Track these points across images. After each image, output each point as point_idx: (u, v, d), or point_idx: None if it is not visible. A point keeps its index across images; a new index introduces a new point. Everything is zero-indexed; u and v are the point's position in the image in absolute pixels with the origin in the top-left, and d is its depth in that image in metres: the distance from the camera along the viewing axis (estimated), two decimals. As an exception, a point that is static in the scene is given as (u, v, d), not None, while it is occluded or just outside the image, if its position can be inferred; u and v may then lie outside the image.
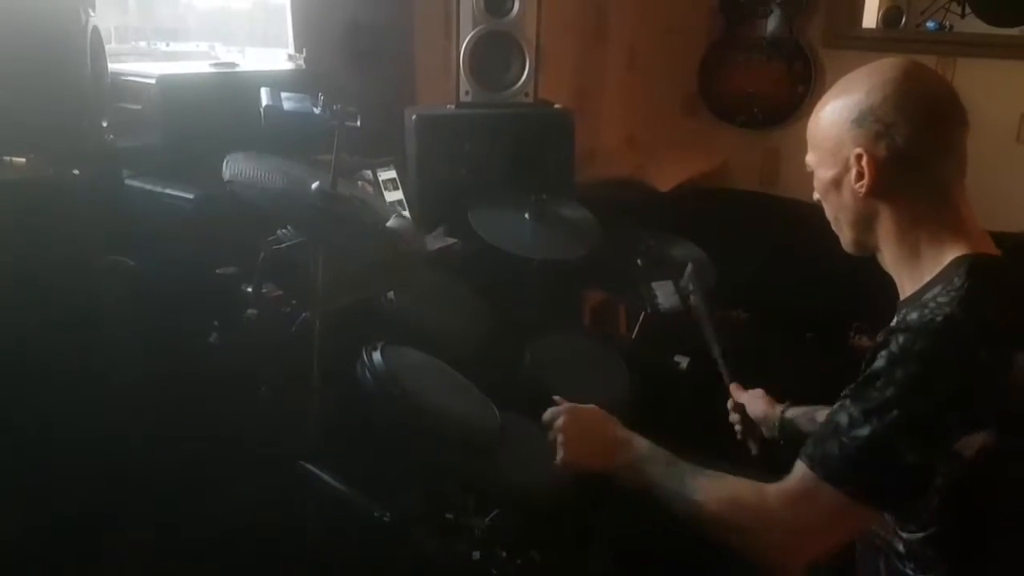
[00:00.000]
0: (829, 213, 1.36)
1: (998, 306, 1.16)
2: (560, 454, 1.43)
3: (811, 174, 1.36)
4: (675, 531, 1.57)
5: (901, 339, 1.15)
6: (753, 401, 1.79)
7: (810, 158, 1.35)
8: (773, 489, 1.21)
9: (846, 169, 1.27)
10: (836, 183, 1.29)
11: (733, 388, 1.81)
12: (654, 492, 1.33)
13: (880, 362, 1.16)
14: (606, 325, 3.33)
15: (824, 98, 1.32)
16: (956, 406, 1.12)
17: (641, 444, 1.39)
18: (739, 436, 1.78)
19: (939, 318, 1.14)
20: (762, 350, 3.06)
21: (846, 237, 1.34)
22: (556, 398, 1.51)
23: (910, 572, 1.27)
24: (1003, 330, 1.14)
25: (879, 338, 1.19)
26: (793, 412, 1.73)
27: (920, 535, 1.22)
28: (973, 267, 1.19)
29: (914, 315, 1.17)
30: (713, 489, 1.27)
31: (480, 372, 1.82)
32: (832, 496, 1.15)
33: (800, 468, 1.19)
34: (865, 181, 1.24)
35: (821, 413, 1.64)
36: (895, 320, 1.26)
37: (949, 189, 1.25)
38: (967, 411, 1.13)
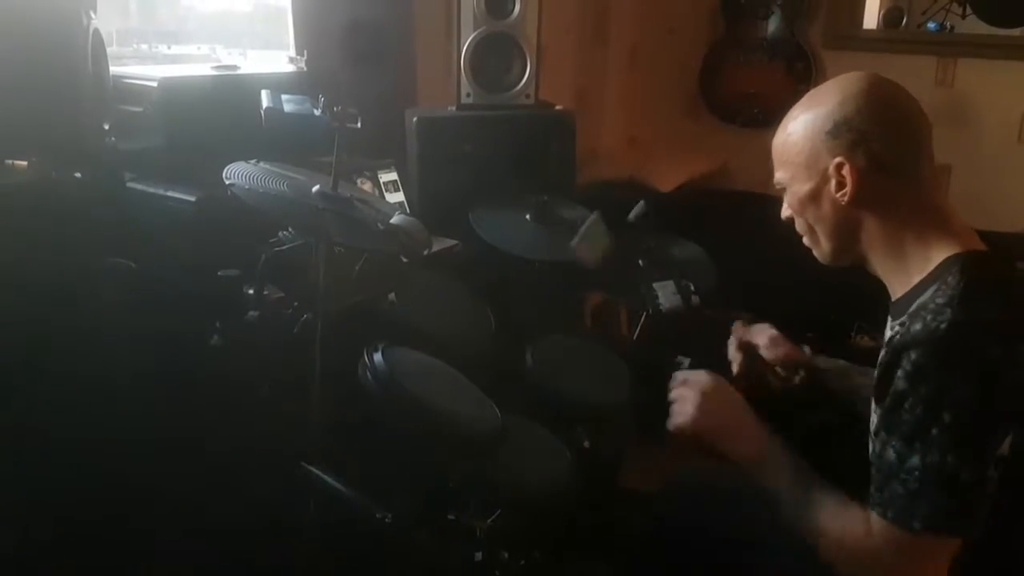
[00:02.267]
0: (803, 228, 1.38)
1: (996, 302, 1.17)
2: (685, 417, 1.39)
3: (782, 191, 1.37)
4: (679, 533, 1.57)
5: (913, 355, 1.15)
6: (771, 340, 1.69)
7: (781, 176, 1.36)
8: (874, 539, 1.20)
9: (825, 180, 1.28)
10: (814, 196, 1.31)
11: (737, 325, 1.75)
12: (772, 495, 1.30)
13: (900, 384, 1.16)
14: (607, 326, 3.33)
15: (788, 116, 1.34)
16: (985, 408, 1.13)
17: (775, 444, 1.34)
18: (736, 376, 1.69)
19: (943, 325, 1.14)
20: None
21: (825, 249, 1.36)
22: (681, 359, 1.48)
23: None
24: (1006, 325, 1.15)
25: (888, 355, 1.20)
26: (826, 363, 1.68)
27: None
28: (966, 265, 1.20)
29: (917, 326, 1.17)
30: (834, 515, 1.25)
31: (481, 373, 1.82)
32: (911, 536, 1.16)
33: (875, 519, 1.19)
34: (848, 190, 1.26)
35: (859, 377, 1.61)
36: (893, 327, 1.27)
37: (927, 189, 1.28)
38: (999, 410, 1.14)
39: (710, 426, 1.38)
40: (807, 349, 1.70)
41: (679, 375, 1.45)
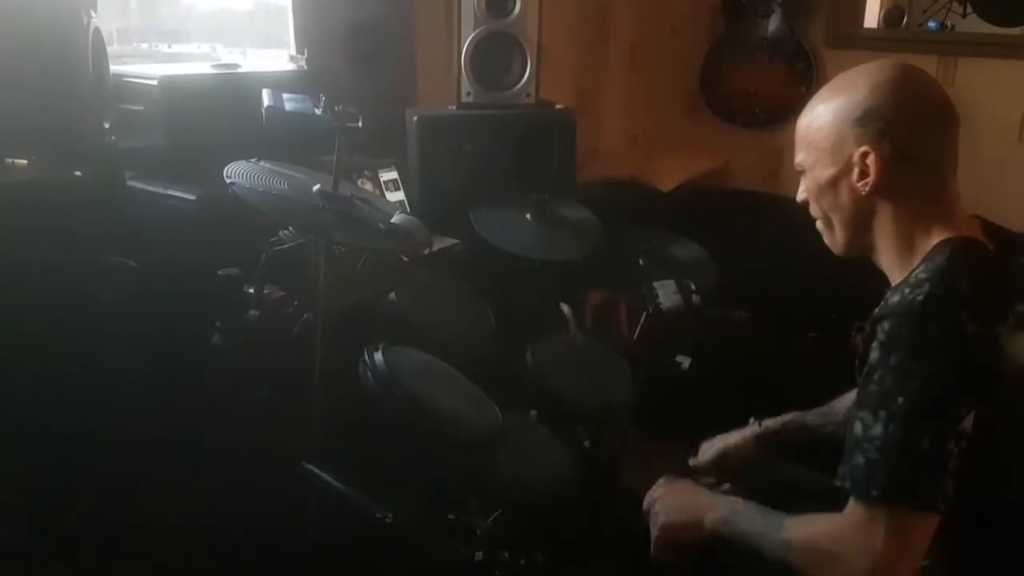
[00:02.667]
0: (818, 213, 1.37)
1: (977, 282, 1.17)
2: (656, 524, 1.44)
3: (801, 174, 1.37)
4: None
5: (887, 325, 1.16)
6: (709, 449, 1.73)
7: (802, 158, 1.35)
8: (839, 520, 1.20)
9: (848, 168, 1.27)
10: (834, 183, 1.30)
11: (692, 463, 1.75)
12: (747, 542, 1.31)
13: (873, 355, 1.17)
14: (608, 325, 3.33)
15: (816, 99, 1.33)
16: (952, 381, 1.13)
17: (731, 499, 1.40)
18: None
19: (919, 298, 1.15)
20: (763, 350, 3.05)
21: (839, 237, 1.35)
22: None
23: None
24: (983, 305, 1.15)
25: (866, 328, 1.21)
26: (770, 424, 1.70)
27: None
28: (956, 247, 1.21)
29: (895, 298, 1.19)
30: (797, 528, 1.26)
31: (482, 372, 1.82)
32: (871, 507, 1.15)
33: (851, 499, 1.18)
34: (870, 179, 1.26)
35: (810, 417, 1.67)
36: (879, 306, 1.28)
37: (945, 185, 1.28)
38: (965, 385, 1.14)
39: (677, 516, 1.42)
40: (752, 422, 1.72)
41: (645, 502, 1.50)
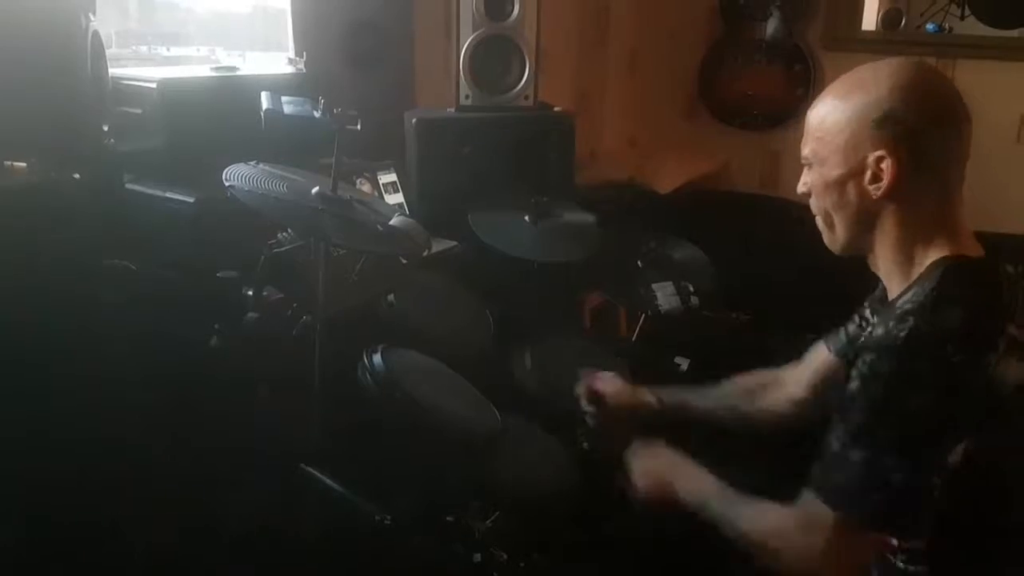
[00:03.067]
0: (819, 210, 1.34)
1: (965, 310, 1.15)
2: (635, 486, 1.49)
3: (806, 166, 1.34)
4: (676, 535, 1.58)
5: (869, 359, 1.16)
6: (614, 391, 1.75)
7: (811, 152, 1.31)
8: (794, 518, 1.23)
9: (860, 170, 1.24)
10: (843, 182, 1.26)
11: (585, 375, 1.78)
12: (706, 514, 1.36)
13: (854, 384, 1.18)
14: (606, 327, 3.33)
15: (832, 92, 1.29)
16: (936, 418, 1.13)
17: (701, 478, 1.42)
18: (590, 426, 1.75)
19: (903, 334, 1.14)
20: (761, 351, 3.05)
21: (839, 236, 1.32)
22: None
23: (901, 564, 1.27)
24: (973, 335, 1.14)
25: (851, 355, 1.23)
26: (677, 394, 1.74)
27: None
28: (945, 272, 1.20)
29: (880, 331, 1.18)
30: (752, 518, 1.30)
31: (480, 374, 1.82)
32: (835, 520, 1.17)
33: (808, 496, 1.21)
34: (883, 183, 1.22)
35: (714, 389, 1.71)
36: (868, 329, 1.28)
37: (952, 194, 1.25)
38: (950, 420, 1.14)
39: (653, 480, 1.48)
40: (648, 394, 1.74)
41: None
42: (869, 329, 1.24)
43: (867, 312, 1.49)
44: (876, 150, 1.22)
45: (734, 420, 1.70)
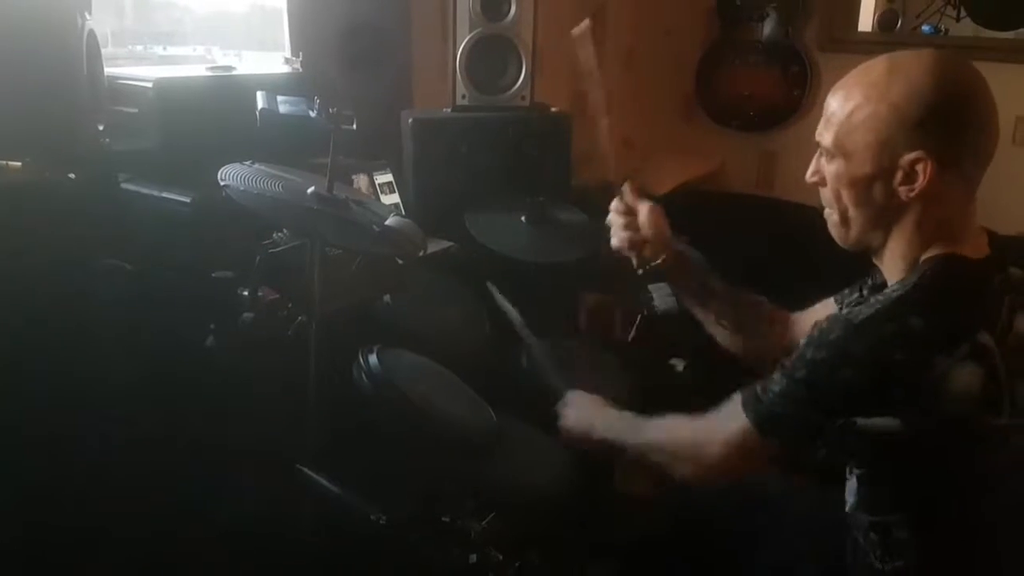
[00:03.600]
0: (831, 202, 1.29)
1: (933, 312, 1.15)
2: (562, 424, 1.59)
3: (817, 149, 1.29)
4: (674, 535, 1.58)
5: (824, 324, 1.21)
6: (649, 215, 1.64)
7: (833, 143, 1.24)
8: (711, 417, 1.36)
9: (892, 170, 1.19)
10: (869, 180, 1.22)
11: (627, 190, 1.70)
12: (628, 450, 1.48)
13: (804, 341, 1.23)
14: (603, 328, 3.33)
15: (860, 82, 1.22)
16: (852, 394, 1.19)
17: (615, 415, 1.54)
18: (615, 245, 1.68)
19: (864, 316, 1.17)
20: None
21: (852, 232, 1.28)
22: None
23: (879, 565, 1.31)
24: (929, 336, 1.14)
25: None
26: (693, 254, 1.71)
27: (889, 518, 1.29)
28: (932, 270, 1.20)
29: (846, 310, 1.29)
30: (667, 427, 1.43)
31: (476, 375, 1.82)
32: (743, 423, 1.28)
33: (732, 400, 1.32)
34: (917, 185, 1.18)
35: (712, 278, 1.70)
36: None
37: (972, 195, 1.25)
38: (863, 399, 1.19)
39: (576, 420, 1.58)
40: (683, 240, 1.71)
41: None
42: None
43: (867, 289, 1.45)
44: (913, 151, 1.17)
45: (732, 328, 1.66)
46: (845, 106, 1.22)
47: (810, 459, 1.37)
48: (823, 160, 1.28)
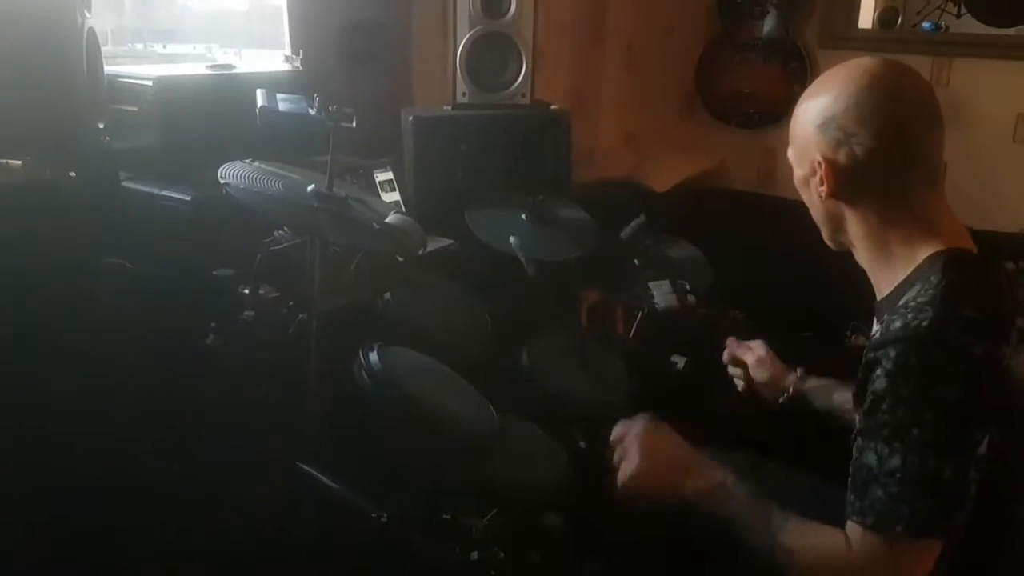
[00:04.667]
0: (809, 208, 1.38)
1: (979, 303, 1.15)
2: (632, 466, 1.37)
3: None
4: (675, 535, 1.57)
5: (893, 353, 1.13)
6: (758, 361, 1.74)
7: (790, 153, 1.35)
8: (847, 547, 1.17)
9: (812, 171, 1.28)
10: (805, 183, 1.32)
11: (731, 341, 1.79)
12: (731, 522, 1.28)
13: (880, 383, 1.14)
14: (603, 325, 3.33)
15: (803, 96, 1.32)
16: (968, 408, 1.11)
17: (724, 474, 1.32)
18: (742, 391, 1.75)
19: (924, 323, 1.12)
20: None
21: (824, 233, 1.37)
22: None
23: None
24: (988, 326, 1.14)
25: (867, 355, 1.18)
26: (812, 383, 1.69)
27: None
28: (948, 264, 1.19)
29: (897, 324, 1.15)
30: (801, 535, 1.22)
31: (477, 372, 1.82)
32: (894, 542, 1.13)
33: (853, 528, 1.17)
34: (824, 187, 1.26)
35: (840, 394, 1.62)
36: (876, 329, 1.26)
37: (915, 195, 1.25)
38: (980, 411, 1.12)
39: (658, 472, 1.37)
40: (798, 371, 1.71)
41: (616, 430, 1.44)
42: (878, 328, 1.23)
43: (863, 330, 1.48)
44: (817, 153, 1.26)
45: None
46: (792, 119, 1.33)
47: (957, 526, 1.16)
48: None
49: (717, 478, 1.32)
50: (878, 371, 1.14)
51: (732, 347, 1.79)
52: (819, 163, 1.25)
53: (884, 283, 1.28)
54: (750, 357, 1.75)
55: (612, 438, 1.44)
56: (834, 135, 1.24)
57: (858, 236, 1.30)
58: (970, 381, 1.11)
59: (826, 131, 1.24)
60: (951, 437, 1.11)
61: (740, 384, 1.77)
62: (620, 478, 1.38)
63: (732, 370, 1.78)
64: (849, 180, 1.25)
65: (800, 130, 1.29)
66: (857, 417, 1.21)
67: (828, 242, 1.38)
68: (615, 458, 1.41)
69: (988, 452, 1.13)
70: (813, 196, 1.31)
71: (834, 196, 1.27)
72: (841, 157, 1.24)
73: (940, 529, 1.13)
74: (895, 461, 1.12)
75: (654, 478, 1.37)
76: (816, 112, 1.26)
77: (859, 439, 1.17)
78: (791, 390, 1.70)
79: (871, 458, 1.14)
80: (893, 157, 1.23)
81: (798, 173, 1.33)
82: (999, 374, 1.14)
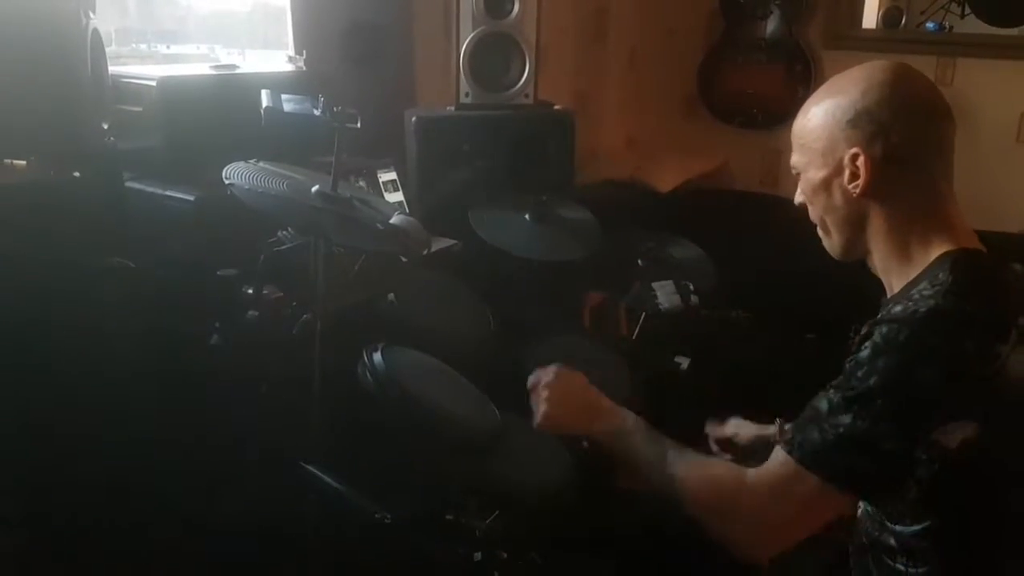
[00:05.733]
0: (815, 216, 1.37)
1: (982, 299, 1.17)
2: (539, 412, 1.48)
3: (798, 176, 1.37)
4: (677, 534, 1.57)
5: (885, 329, 1.16)
6: (737, 426, 1.77)
7: (797, 160, 1.35)
8: (752, 473, 1.24)
9: (839, 170, 1.27)
10: (827, 184, 1.30)
11: (709, 427, 1.80)
12: (633, 462, 1.37)
13: (864, 352, 1.17)
14: (606, 326, 3.33)
15: (811, 100, 1.33)
16: (937, 395, 1.13)
17: (626, 415, 1.43)
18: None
19: (923, 309, 1.15)
20: (761, 351, 3.06)
21: (835, 240, 1.35)
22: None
23: (901, 567, 1.27)
24: (987, 323, 1.15)
25: (864, 329, 1.21)
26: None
27: (915, 528, 1.23)
28: (956, 262, 1.21)
29: (898, 307, 1.18)
30: (694, 467, 1.31)
31: (480, 373, 1.82)
32: (809, 481, 1.17)
33: (779, 453, 1.22)
34: (860, 181, 1.25)
35: None
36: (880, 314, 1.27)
37: (939, 187, 1.27)
38: (949, 400, 1.14)
39: (563, 412, 1.48)
40: (778, 423, 1.70)
41: (531, 378, 1.54)
42: (881, 314, 1.24)
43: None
44: (851, 148, 1.25)
45: None
46: (799, 126, 1.34)
47: (895, 504, 1.22)
48: (799, 180, 1.37)
49: (619, 418, 1.43)
50: (866, 343, 1.17)
51: (713, 432, 1.80)
52: (853, 157, 1.25)
53: (897, 282, 1.29)
54: (730, 429, 1.78)
55: (528, 385, 1.53)
56: (868, 127, 1.24)
57: (879, 237, 1.29)
58: (951, 371, 1.13)
59: (859, 124, 1.24)
60: (910, 418, 1.14)
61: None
62: (535, 419, 1.50)
63: (725, 457, 1.76)
64: (884, 172, 1.24)
65: (820, 130, 1.29)
66: None
67: (839, 251, 1.36)
68: (532, 403, 1.51)
69: (978, 447, 1.14)
70: (836, 198, 1.30)
71: (867, 191, 1.26)
72: (877, 149, 1.24)
73: (854, 487, 1.19)
74: (845, 418, 1.15)
75: (564, 418, 1.49)
76: (844, 108, 1.26)
77: (822, 391, 1.21)
78: (778, 436, 1.70)
79: (823, 403, 1.19)
80: (925, 145, 1.25)
81: (815, 176, 1.31)
82: (987, 370, 1.14)
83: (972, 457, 1.15)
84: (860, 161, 1.24)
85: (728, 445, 1.76)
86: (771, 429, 1.72)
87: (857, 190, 1.26)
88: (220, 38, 2.71)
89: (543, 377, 1.52)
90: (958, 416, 1.14)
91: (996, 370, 1.15)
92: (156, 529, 1.88)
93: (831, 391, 1.19)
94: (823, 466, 1.17)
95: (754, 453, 1.72)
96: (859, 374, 1.16)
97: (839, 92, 1.28)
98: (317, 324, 1.79)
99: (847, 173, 1.26)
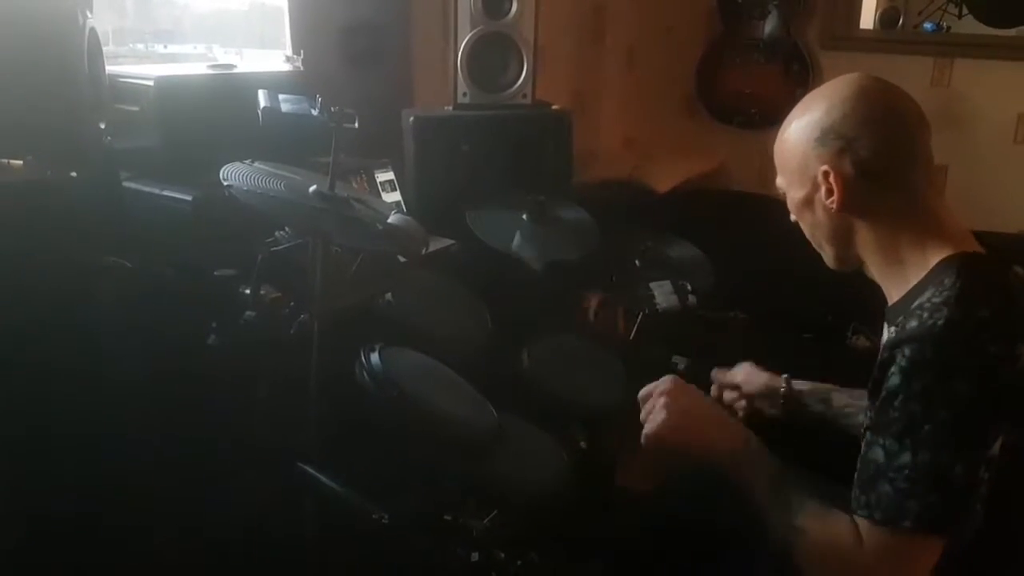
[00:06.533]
0: (806, 232, 1.38)
1: (993, 303, 1.16)
2: (657, 421, 1.35)
3: (784, 196, 1.38)
4: (677, 534, 1.57)
5: (908, 351, 1.14)
6: (747, 374, 1.75)
7: (780, 181, 1.37)
8: (856, 540, 1.17)
9: (815, 187, 1.29)
10: (808, 202, 1.31)
11: (715, 373, 1.79)
12: (751, 495, 1.27)
13: (893, 379, 1.15)
14: (604, 326, 3.33)
15: (786, 120, 1.34)
16: (982, 405, 1.12)
17: (749, 435, 1.34)
18: (743, 415, 1.72)
19: (940, 322, 1.13)
20: (759, 351, 3.05)
21: (828, 254, 1.37)
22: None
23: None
24: (1003, 325, 1.15)
25: (882, 354, 1.19)
26: (800, 385, 1.70)
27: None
28: (961, 267, 1.20)
29: (913, 323, 1.16)
30: (817, 521, 1.22)
31: (478, 373, 1.82)
32: (900, 537, 1.14)
33: (860, 522, 1.17)
34: (835, 197, 1.26)
35: (839, 396, 1.64)
36: (890, 330, 1.26)
37: (920, 195, 1.27)
38: (994, 408, 1.13)
39: (683, 425, 1.36)
40: (784, 377, 1.71)
41: (643, 391, 1.43)
42: (892, 331, 1.22)
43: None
44: (822, 165, 1.26)
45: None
46: (778, 147, 1.35)
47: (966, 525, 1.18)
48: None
49: (742, 440, 1.33)
50: (892, 368, 1.15)
51: (719, 377, 1.79)
52: (825, 174, 1.26)
53: (896, 289, 1.29)
54: (739, 376, 1.76)
55: (639, 396, 1.43)
56: (835, 144, 1.25)
57: (869, 247, 1.30)
58: (984, 378, 1.12)
59: (826, 142, 1.26)
60: (964, 434, 1.12)
61: (740, 408, 1.74)
62: (645, 432, 1.37)
63: (728, 396, 1.75)
64: (858, 186, 1.25)
65: (794, 150, 1.30)
66: (867, 414, 1.22)
67: (834, 263, 1.37)
68: (642, 415, 1.40)
69: (1000, 452, 1.14)
70: (819, 215, 1.31)
71: (844, 208, 1.27)
72: (846, 165, 1.25)
73: (947, 525, 1.14)
74: (905, 457, 1.12)
75: (681, 432, 1.35)
76: (810, 127, 1.27)
77: (868, 434, 1.18)
78: (783, 390, 1.70)
79: (878, 453, 1.15)
80: (895, 156, 1.25)
81: (796, 196, 1.33)
82: (1013, 372, 1.14)
83: (1012, 460, 1.15)
84: (832, 178, 1.26)
85: (737, 389, 1.75)
86: (779, 380, 1.71)
87: (834, 206, 1.27)
88: (217, 38, 2.70)
89: (659, 386, 1.40)
90: (997, 420, 1.14)
91: (1020, 370, 1.14)
92: (153, 529, 1.88)
93: (876, 437, 1.16)
94: (905, 516, 1.13)
95: (761, 401, 1.72)
96: (896, 403, 1.14)
97: (807, 110, 1.30)
98: (314, 324, 1.79)
99: (823, 190, 1.28)
